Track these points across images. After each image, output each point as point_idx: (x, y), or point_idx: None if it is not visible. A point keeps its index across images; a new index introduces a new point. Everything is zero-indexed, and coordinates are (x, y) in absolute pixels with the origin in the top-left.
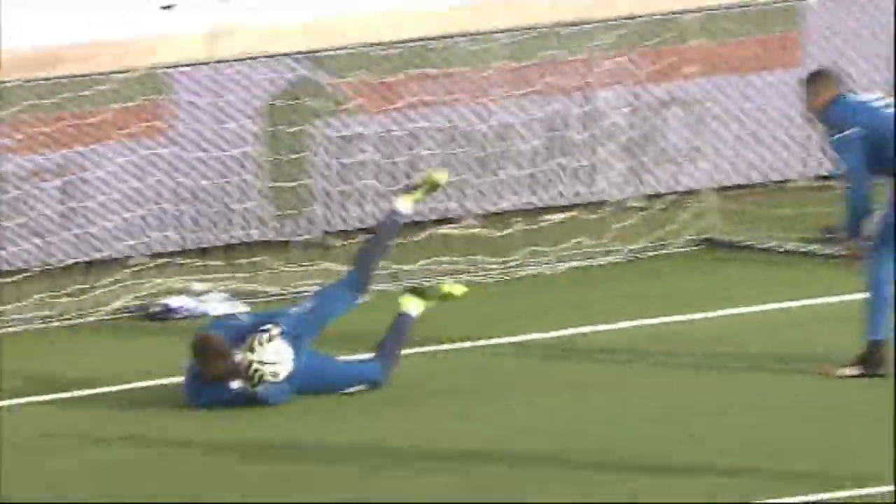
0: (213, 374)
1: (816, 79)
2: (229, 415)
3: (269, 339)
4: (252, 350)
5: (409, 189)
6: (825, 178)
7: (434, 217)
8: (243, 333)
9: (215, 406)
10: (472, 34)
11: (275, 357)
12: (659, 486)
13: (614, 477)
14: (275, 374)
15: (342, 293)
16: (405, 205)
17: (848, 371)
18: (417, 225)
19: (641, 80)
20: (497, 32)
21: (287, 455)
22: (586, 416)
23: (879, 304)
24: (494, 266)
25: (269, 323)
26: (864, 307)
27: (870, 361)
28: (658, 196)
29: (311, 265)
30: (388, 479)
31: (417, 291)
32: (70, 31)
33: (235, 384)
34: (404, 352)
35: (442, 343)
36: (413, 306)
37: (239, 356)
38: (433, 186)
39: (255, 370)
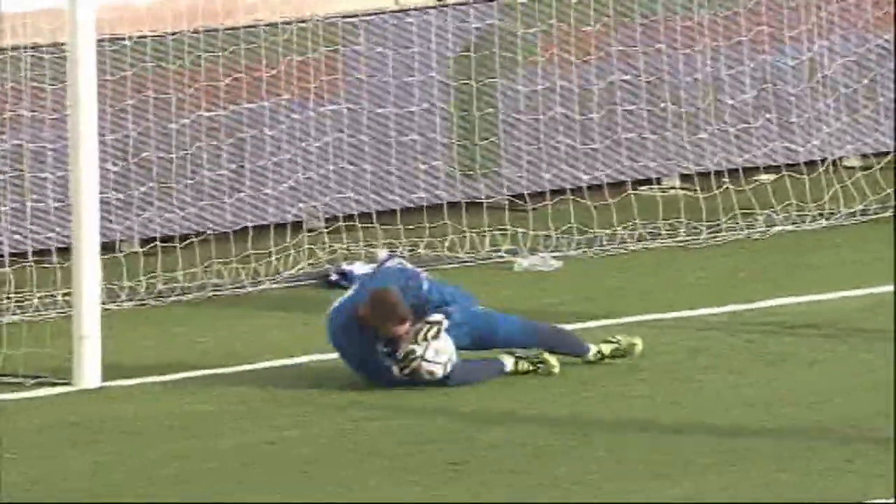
0: (377, 329)
1: None
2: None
3: (436, 336)
4: (416, 341)
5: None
6: None
7: (632, 178)
8: (418, 307)
9: (350, 360)
10: None
11: (435, 357)
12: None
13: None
14: (431, 374)
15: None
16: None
17: None
18: (614, 186)
19: (866, 26)
20: None
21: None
22: (800, 389)
23: None
24: (698, 230)
25: (443, 309)
26: None
27: None
28: (879, 154)
29: (501, 230)
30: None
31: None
32: None
33: (390, 363)
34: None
35: (648, 313)
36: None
37: (404, 330)
38: (620, 353)
39: (412, 362)
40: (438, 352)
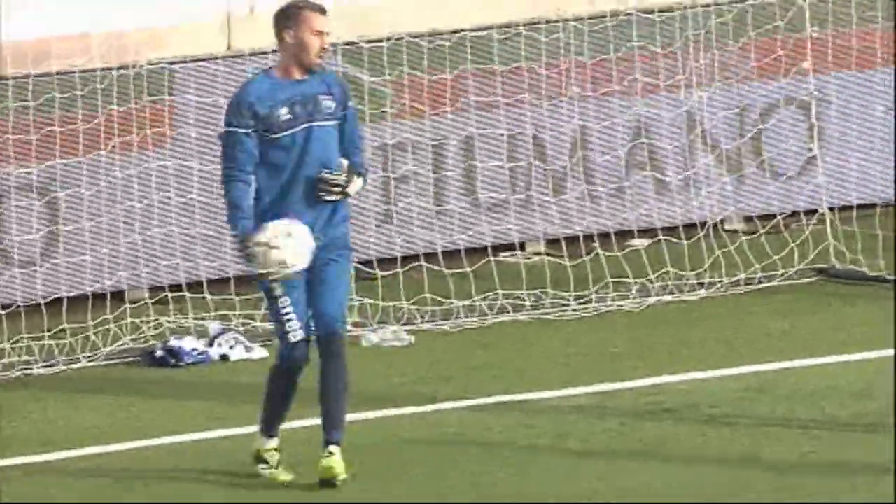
0: None
1: None
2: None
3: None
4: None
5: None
6: None
7: (493, 242)
8: None
9: None
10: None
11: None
12: None
13: None
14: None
15: None
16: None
17: None
18: (473, 252)
19: (746, 78)
20: (571, 20)
21: None
22: (679, 478)
23: None
24: (566, 301)
25: None
26: None
27: None
28: (764, 217)
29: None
30: None
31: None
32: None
33: None
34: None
35: (510, 393)
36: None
37: None
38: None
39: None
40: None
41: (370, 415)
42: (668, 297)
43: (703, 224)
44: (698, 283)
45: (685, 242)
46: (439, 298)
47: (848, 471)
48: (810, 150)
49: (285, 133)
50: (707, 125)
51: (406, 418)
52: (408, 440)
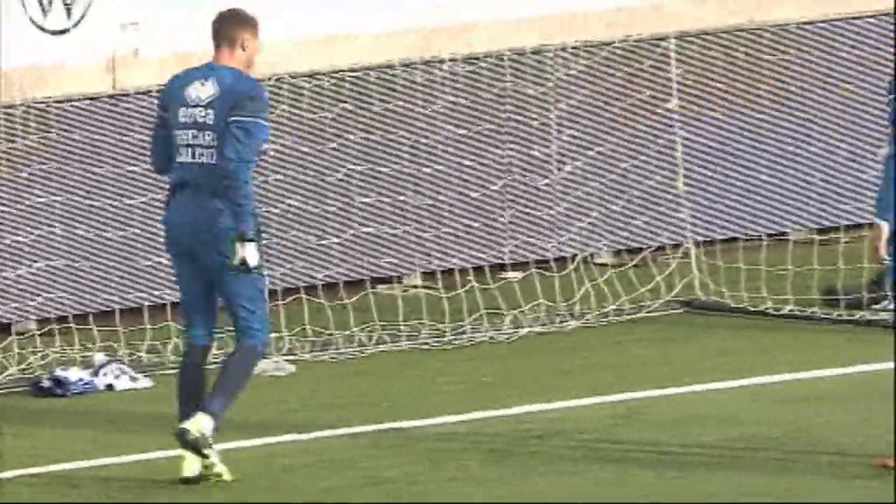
0: None
1: None
2: None
3: None
4: None
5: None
6: (826, 230)
7: (371, 275)
8: None
9: None
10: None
11: None
12: None
13: None
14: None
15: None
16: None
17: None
18: (352, 284)
19: (615, 116)
20: (444, 60)
21: None
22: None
23: None
24: (441, 332)
25: None
26: None
27: None
28: (632, 251)
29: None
30: None
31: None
32: None
33: None
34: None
35: (387, 421)
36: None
37: None
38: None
39: None
40: None
41: (252, 442)
42: (540, 328)
43: (574, 257)
44: (569, 315)
45: (556, 275)
46: (319, 329)
47: (714, 498)
48: (676, 186)
49: None
50: (578, 162)
51: (287, 446)
52: (288, 467)
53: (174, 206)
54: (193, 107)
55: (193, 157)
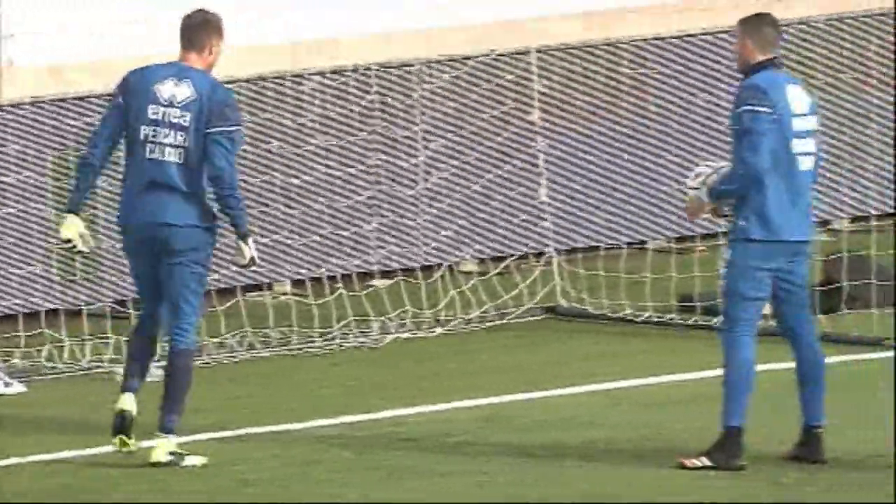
0: None
1: None
2: None
3: None
4: None
5: None
6: (683, 239)
7: (242, 283)
8: None
9: None
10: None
11: None
12: None
13: None
14: None
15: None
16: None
17: (699, 461)
18: (223, 292)
19: (480, 128)
20: (313, 74)
21: None
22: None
23: (741, 385)
24: (311, 338)
25: None
26: (724, 388)
27: (724, 451)
28: (496, 259)
29: (103, 338)
30: None
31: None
32: None
33: None
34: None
35: (259, 425)
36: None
37: None
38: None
39: None
40: None
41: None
42: (407, 335)
43: (440, 266)
44: (435, 321)
45: (423, 283)
46: None
47: (576, 497)
48: (538, 196)
49: None
50: (443, 173)
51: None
52: (162, 470)
53: (140, 204)
54: (167, 106)
55: (162, 154)
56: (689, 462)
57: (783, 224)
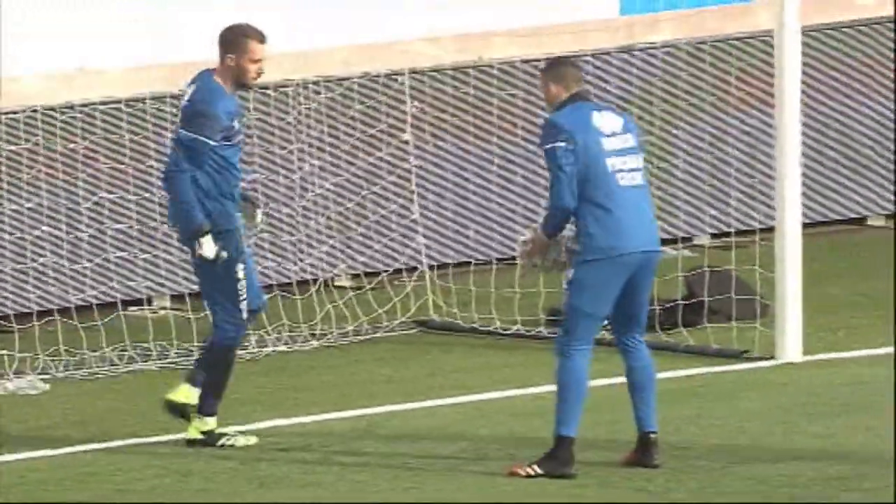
0: None
1: None
2: None
3: None
4: None
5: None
6: None
7: (122, 297)
8: None
9: None
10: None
11: None
12: None
13: None
14: None
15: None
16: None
17: (532, 470)
18: (104, 307)
19: (352, 149)
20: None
21: None
22: None
23: (575, 395)
24: (190, 351)
25: None
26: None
27: (555, 459)
28: (370, 275)
29: None
30: None
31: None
32: None
33: None
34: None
35: (137, 437)
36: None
37: None
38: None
39: None
40: None
41: (6, 458)
42: (284, 347)
43: (315, 281)
44: (311, 335)
45: (299, 298)
46: (72, 349)
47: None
48: (411, 213)
49: (232, 144)
50: (319, 190)
51: (41, 460)
52: (42, 481)
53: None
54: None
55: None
56: (521, 470)
57: (614, 241)
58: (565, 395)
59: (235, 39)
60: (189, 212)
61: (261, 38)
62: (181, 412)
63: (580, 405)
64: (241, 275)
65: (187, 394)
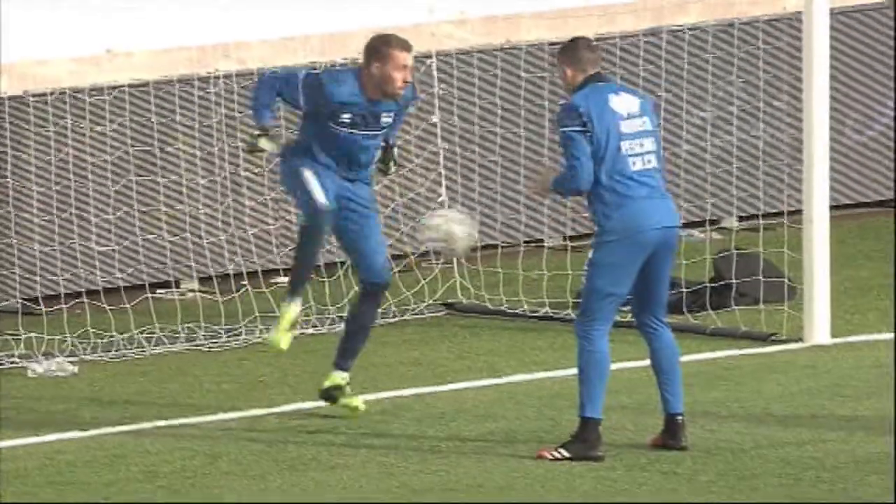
0: None
1: None
2: None
3: None
4: None
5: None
6: (578, 237)
7: (150, 280)
8: None
9: None
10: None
11: None
12: None
13: None
14: None
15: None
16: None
17: (557, 453)
18: (132, 289)
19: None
20: (219, 76)
21: None
22: (325, 494)
23: (598, 376)
24: (217, 334)
25: None
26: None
27: (582, 441)
28: (398, 257)
29: (13, 334)
30: None
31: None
32: None
33: None
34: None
35: (166, 418)
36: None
37: None
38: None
39: None
40: None
41: (36, 440)
42: (312, 330)
43: (343, 263)
44: (339, 317)
45: (326, 280)
46: (101, 332)
47: (477, 490)
48: (438, 195)
49: (341, 129)
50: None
51: (70, 442)
52: (71, 462)
53: None
54: None
55: None
56: (548, 454)
57: (630, 221)
58: (588, 377)
59: (379, 48)
60: (256, 110)
61: (404, 47)
62: (331, 397)
63: (603, 386)
64: (306, 175)
65: (334, 379)
